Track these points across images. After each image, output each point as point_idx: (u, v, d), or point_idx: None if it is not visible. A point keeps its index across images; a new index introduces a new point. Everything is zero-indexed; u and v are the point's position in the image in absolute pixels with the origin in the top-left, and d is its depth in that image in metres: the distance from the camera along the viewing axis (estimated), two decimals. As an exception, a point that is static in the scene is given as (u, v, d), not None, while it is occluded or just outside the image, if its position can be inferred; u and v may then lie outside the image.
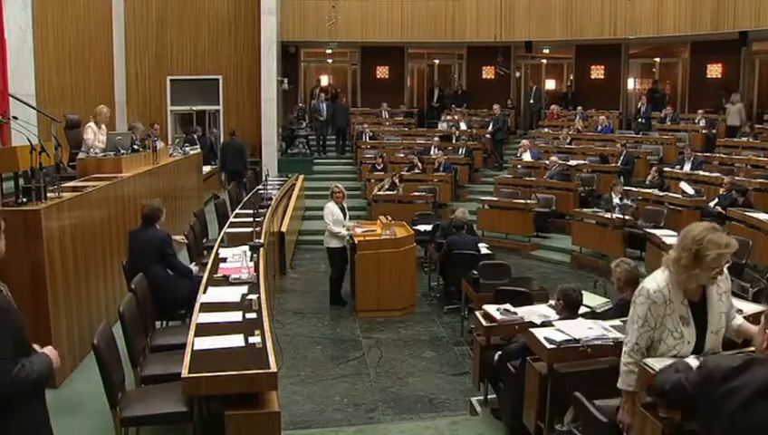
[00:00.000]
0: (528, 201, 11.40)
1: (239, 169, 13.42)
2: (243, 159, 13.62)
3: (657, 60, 17.72)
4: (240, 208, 8.88)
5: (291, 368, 6.26)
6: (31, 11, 8.81)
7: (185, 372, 3.23)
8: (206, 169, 13.24)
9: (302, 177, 13.71)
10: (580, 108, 16.46)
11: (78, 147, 7.89)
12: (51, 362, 2.70)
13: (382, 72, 18.90)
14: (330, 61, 19.74)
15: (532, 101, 17.85)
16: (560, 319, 4.24)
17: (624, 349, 2.89)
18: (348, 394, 5.85)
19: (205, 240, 7.71)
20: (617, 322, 4.03)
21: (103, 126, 7.92)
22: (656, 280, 2.81)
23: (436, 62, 19.53)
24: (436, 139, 15.05)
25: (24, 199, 4.81)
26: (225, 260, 5.43)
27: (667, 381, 2.54)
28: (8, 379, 2.45)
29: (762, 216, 8.54)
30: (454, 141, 15.38)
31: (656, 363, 2.83)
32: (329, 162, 16.01)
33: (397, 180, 12.46)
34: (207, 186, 13.98)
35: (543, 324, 4.21)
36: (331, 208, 8.15)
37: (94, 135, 7.64)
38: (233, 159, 13.54)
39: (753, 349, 2.72)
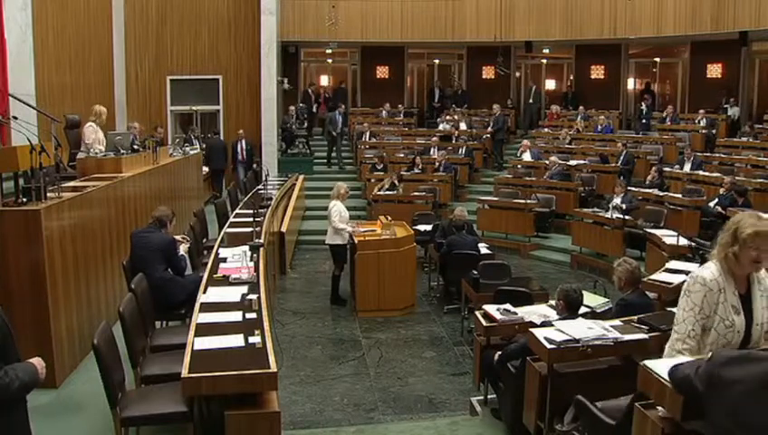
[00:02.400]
0: (528, 201, 11.41)
1: (222, 168, 14.22)
2: (225, 157, 14.38)
3: (657, 60, 17.72)
4: (240, 208, 8.88)
5: (291, 368, 6.26)
6: (31, 10, 8.81)
7: (185, 372, 3.23)
8: (205, 169, 13.33)
9: (302, 177, 13.72)
10: (581, 108, 16.48)
11: (78, 147, 7.89)
12: (36, 372, 2.67)
13: (382, 72, 18.90)
14: (330, 61, 19.74)
15: (531, 101, 17.86)
16: (560, 319, 4.24)
17: (675, 336, 2.90)
18: (348, 394, 5.85)
19: (205, 240, 7.71)
20: (617, 322, 4.03)
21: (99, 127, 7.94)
22: (710, 269, 2.88)
23: (436, 62, 19.53)
24: (435, 138, 15.04)
25: (24, 199, 4.80)
26: (225, 260, 5.43)
27: (679, 372, 2.56)
28: None
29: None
30: (454, 141, 15.38)
31: (655, 365, 2.83)
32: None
33: (396, 181, 12.45)
34: (207, 186, 14.13)
35: (543, 324, 4.21)
36: (340, 207, 8.17)
37: (95, 134, 7.66)
38: (216, 158, 14.08)
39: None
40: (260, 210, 7.69)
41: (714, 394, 2.32)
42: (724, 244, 2.85)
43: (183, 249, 5.76)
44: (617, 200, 10.26)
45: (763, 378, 2.21)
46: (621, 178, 11.59)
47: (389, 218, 8.87)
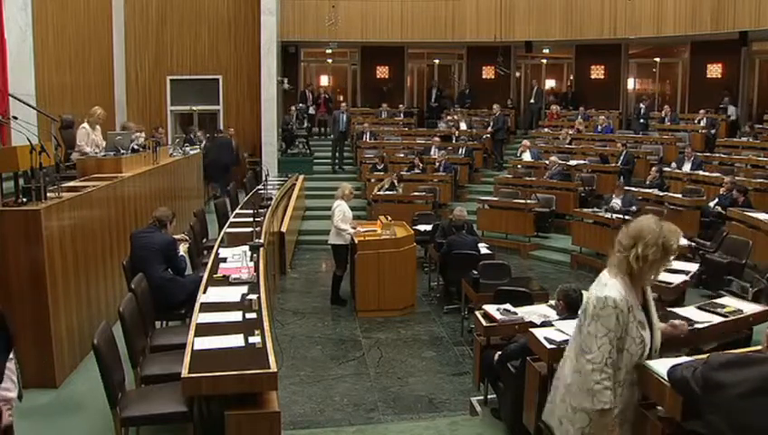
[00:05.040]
0: (528, 201, 11.41)
1: (228, 164, 14.13)
2: (231, 153, 14.30)
3: (657, 60, 17.73)
4: (240, 208, 8.88)
5: (291, 368, 6.26)
6: (31, 10, 8.81)
7: (185, 372, 3.23)
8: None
9: (302, 177, 13.72)
10: (582, 108, 16.48)
11: (73, 147, 7.88)
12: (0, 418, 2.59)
13: (382, 72, 18.91)
14: (330, 61, 19.74)
15: (532, 101, 17.87)
16: (560, 319, 4.24)
17: (590, 367, 2.65)
18: (348, 394, 5.85)
19: (205, 240, 7.71)
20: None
21: (98, 127, 7.89)
22: (615, 288, 2.68)
23: (436, 62, 19.53)
24: (437, 139, 15.03)
25: (24, 199, 4.80)
26: (225, 260, 5.43)
27: (677, 374, 2.56)
28: None
29: (762, 216, 8.54)
30: (454, 141, 15.38)
31: (655, 365, 2.83)
32: (329, 163, 15.96)
33: (396, 181, 12.46)
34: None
35: (543, 324, 4.21)
36: (344, 207, 8.17)
37: (87, 136, 7.63)
38: (224, 155, 13.94)
39: (759, 348, 2.74)
40: (260, 210, 7.69)
41: (710, 397, 2.33)
42: (654, 260, 2.65)
43: (183, 249, 5.76)
44: (616, 201, 10.25)
45: (759, 381, 2.21)
46: (621, 178, 11.60)
47: (389, 218, 8.87)
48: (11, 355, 2.65)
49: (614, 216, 9.74)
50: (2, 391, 2.62)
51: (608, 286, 2.69)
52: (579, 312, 2.86)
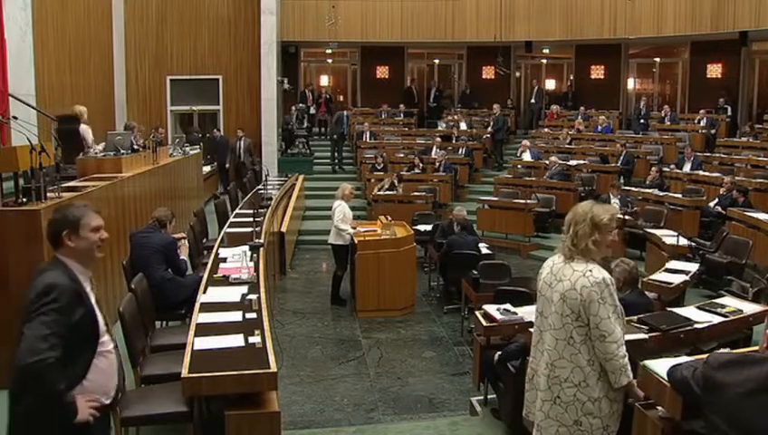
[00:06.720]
0: (528, 201, 11.41)
1: (226, 163, 14.87)
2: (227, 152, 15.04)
3: (657, 60, 17.74)
4: (240, 208, 8.89)
5: (291, 368, 6.26)
6: (31, 11, 8.81)
7: (185, 372, 3.23)
8: (207, 168, 13.38)
9: (302, 177, 13.72)
10: (582, 108, 16.48)
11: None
12: (76, 411, 2.51)
13: (382, 72, 18.90)
14: (330, 61, 19.75)
15: (533, 101, 17.87)
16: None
17: (615, 346, 2.74)
18: (348, 394, 5.85)
19: (205, 240, 7.71)
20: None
21: None
22: (598, 270, 2.81)
23: (436, 62, 19.54)
24: (438, 139, 15.02)
25: (24, 199, 4.80)
26: (225, 260, 5.43)
27: (678, 373, 2.56)
28: (36, 361, 2.36)
29: (762, 216, 8.54)
30: (454, 141, 15.39)
31: (655, 365, 2.83)
32: (329, 162, 15.96)
33: (396, 181, 12.46)
34: (214, 182, 14.22)
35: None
36: (344, 208, 8.17)
37: (90, 135, 7.67)
38: (221, 154, 14.62)
39: (756, 348, 2.74)
40: (260, 210, 7.69)
41: (710, 397, 2.33)
42: (583, 235, 2.82)
43: (184, 252, 5.76)
44: (615, 201, 10.25)
45: (759, 381, 2.21)
46: (621, 178, 11.59)
47: (389, 218, 8.86)
48: (107, 345, 2.71)
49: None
50: (85, 382, 2.59)
51: (593, 270, 2.81)
52: (556, 309, 2.86)
